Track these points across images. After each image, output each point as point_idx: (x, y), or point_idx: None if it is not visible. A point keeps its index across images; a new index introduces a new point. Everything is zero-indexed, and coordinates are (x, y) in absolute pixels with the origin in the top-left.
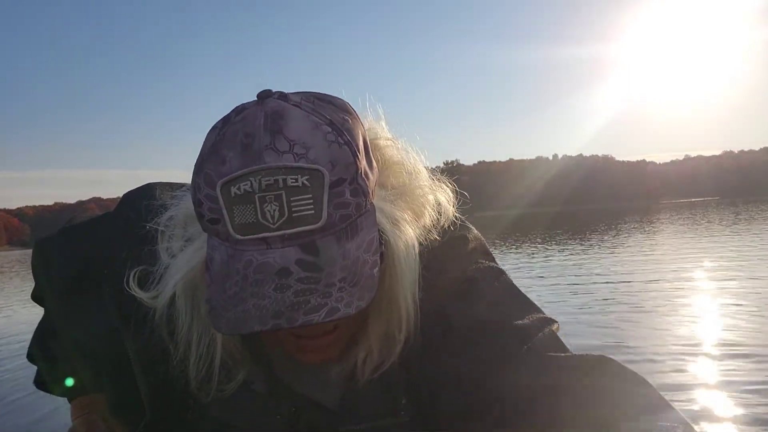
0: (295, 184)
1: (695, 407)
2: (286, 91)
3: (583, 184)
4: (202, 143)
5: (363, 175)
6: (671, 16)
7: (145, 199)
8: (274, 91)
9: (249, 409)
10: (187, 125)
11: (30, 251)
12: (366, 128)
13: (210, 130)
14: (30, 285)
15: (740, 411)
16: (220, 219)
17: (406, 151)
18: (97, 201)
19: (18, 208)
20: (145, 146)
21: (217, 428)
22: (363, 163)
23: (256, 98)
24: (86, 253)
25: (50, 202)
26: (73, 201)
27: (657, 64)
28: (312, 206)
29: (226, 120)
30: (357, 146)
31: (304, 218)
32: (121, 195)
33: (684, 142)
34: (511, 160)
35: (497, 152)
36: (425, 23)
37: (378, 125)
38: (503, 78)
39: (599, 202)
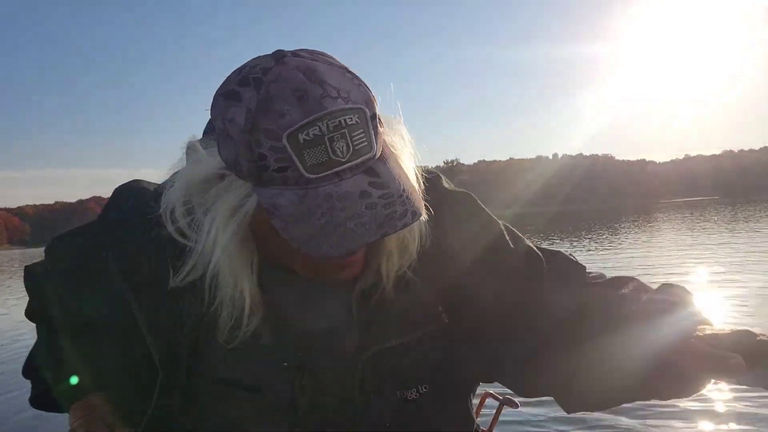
0: (351, 122)
1: (697, 404)
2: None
3: (582, 183)
4: (220, 110)
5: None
6: (672, 15)
7: (134, 191)
8: (285, 50)
9: (256, 362)
10: (188, 125)
11: (30, 250)
12: None
13: (229, 98)
14: None
15: (739, 406)
16: (289, 166)
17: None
18: (97, 200)
19: (18, 207)
20: (147, 146)
21: (223, 391)
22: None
23: (272, 57)
24: (86, 240)
25: (51, 201)
26: (73, 200)
27: (657, 63)
28: (365, 139)
29: (256, 82)
30: (368, 86)
31: (363, 149)
32: None
33: (684, 141)
34: (511, 159)
35: (497, 151)
36: (424, 24)
37: None
38: (503, 77)
39: (599, 201)
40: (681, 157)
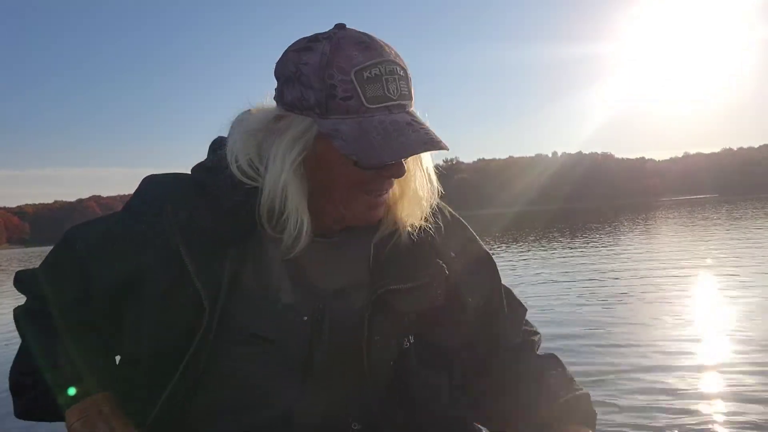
0: (402, 73)
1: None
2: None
3: (582, 181)
4: (292, 59)
5: None
6: (672, 14)
7: (158, 178)
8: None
9: (277, 317)
10: (187, 123)
11: (30, 249)
12: None
13: (302, 50)
14: None
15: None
16: (353, 95)
17: None
18: (96, 199)
19: (18, 207)
20: (146, 144)
21: (244, 347)
22: None
23: (335, 27)
24: (120, 215)
25: (50, 200)
26: (73, 199)
27: (657, 62)
28: (407, 89)
29: (327, 37)
30: None
31: (406, 95)
32: (121, 193)
33: (683, 139)
34: (510, 157)
35: (497, 150)
36: (423, 24)
37: None
38: (503, 76)
39: (598, 199)
40: (680, 155)
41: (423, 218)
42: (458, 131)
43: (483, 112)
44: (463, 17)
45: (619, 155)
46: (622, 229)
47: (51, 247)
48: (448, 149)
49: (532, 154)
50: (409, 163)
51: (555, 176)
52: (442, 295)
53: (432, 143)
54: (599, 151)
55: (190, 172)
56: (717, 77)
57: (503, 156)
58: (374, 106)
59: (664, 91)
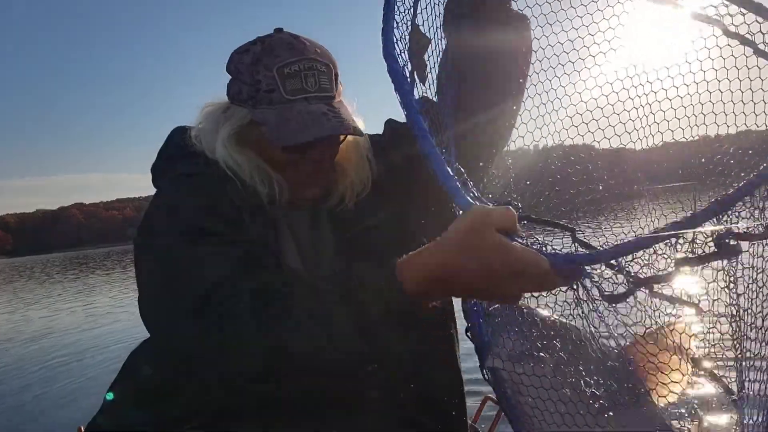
0: (323, 69)
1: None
2: None
3: (560, 174)
4: (233, 59)
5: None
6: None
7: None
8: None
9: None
10: (169, 127)
11: (14, 260)
12: None
13: (242, 52)
14: (10, 297)
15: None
16: (275, 89)
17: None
18: (78, 207)
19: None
20: (126, 149)
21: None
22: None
23: (274, 31)
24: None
25: (32, 210)
26: (54, 207)
27: (634, 50)
28: (328, 83)
29: (261, 41)
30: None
31: (326, 88)
32: (102, 200)
33: (661, 127)
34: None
35: None
36: None
37: None
38: None
39: (579, 189)
40: (659, 144)
41: (364, 188)
42: None
43: None
44: None
45: (597, 146)
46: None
47: (35, 257)
48: (361, 135)
49: (514, 148)
50: (347, 147)
51: (533, 170)
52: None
53: (341, 128)
54: (579, 143)
55: (169, 165)
56: (695, 63)
57: None
58: (293, 98)
59: (640, 79)
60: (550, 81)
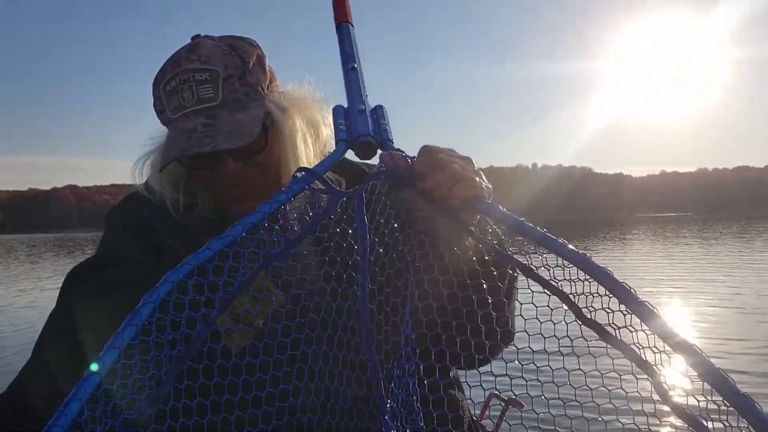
0: (201, 78)
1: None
2: None
3: (560, 194)
4: None
5: (251, 75)
6: (652, 35)
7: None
8: (200, 34)
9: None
10: None
11: (4, 237)
12: (288, 85)
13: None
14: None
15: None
16: (164, 109)
17: (318, 101)
18: (72, 189)
19: None
20: (125, 136)
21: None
22: (252, 68)
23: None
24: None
25: (24, 188)
26: (48, 187)
27: (638, 81)
28: (212, 91)
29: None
30: (248, 59)
31: (207, 99)
32: (97, 184)
33: (661, 156)
34: (491, 167)
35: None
36: (412, 42)
37: (300, 85)
38: (484, 94)
39: (577, 213)
40: (657, 172)
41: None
42: (444, 141)
43: (461, 129)
44: (448, 34)
45: (597, 170)
46: (600, 242)
47: (26, 235)
48: (240, 144)
49: (513, 165)
50: (273, 148)
51: (534, 189)
52: None
53: (196, 146)
54: (578, 165)
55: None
56: (695, 96)
57: (484, 165)
58: (176, 116)
59: (643, 108)
60: None
